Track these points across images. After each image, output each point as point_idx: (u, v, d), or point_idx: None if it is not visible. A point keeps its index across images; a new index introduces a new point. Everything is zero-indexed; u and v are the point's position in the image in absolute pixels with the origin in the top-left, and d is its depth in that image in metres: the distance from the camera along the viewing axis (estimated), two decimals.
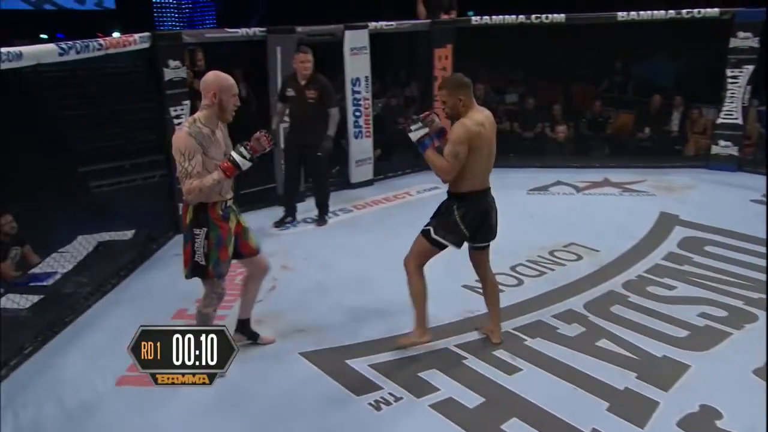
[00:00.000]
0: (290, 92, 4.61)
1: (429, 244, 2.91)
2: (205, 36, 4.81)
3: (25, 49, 3.05)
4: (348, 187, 5.76)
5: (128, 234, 4.54)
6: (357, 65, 5.52)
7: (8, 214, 4.06)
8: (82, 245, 4.22)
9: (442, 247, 2.92)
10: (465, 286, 3.73)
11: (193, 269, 2.72)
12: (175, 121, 4.53)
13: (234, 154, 2.53)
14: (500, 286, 3.68)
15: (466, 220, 2.84)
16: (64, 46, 3.37)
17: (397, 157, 6.33)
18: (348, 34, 5.39)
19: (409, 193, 5.64)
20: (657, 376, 2.81)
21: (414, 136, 2.86)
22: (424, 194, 5.61)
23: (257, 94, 6.37)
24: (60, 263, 3.96)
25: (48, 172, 4.32)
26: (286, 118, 4.82)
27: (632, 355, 2.99)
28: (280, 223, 4.88)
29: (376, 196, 5.48)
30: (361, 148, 5.70)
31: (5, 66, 2.87)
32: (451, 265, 3.90)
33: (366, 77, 5.59)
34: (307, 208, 5.22)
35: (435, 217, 2.92)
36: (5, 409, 2.64)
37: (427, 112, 3.06)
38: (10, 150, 3.72)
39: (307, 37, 5.22)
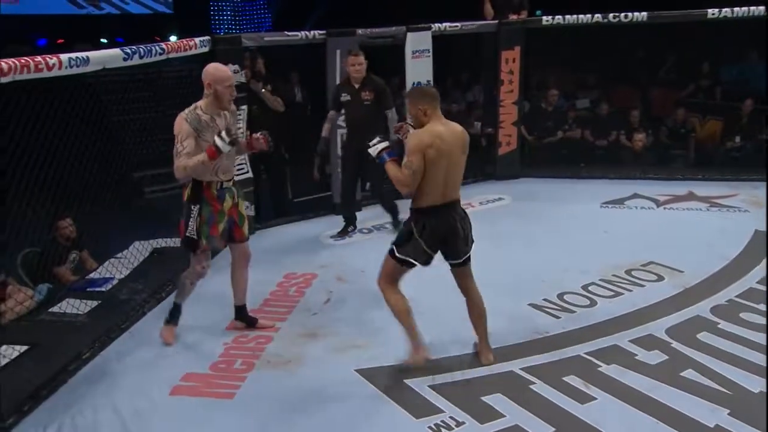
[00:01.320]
0: (345, 97, 4.67)
1: (395, 262, 2.93)
2: (265, 39, 4.98)
3: (91, 54, 3.24)
4: (403, 197, 5.78)
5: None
6: (419, 69, 5.56)
7: (68, 218, 4.30)
8: (138, 251, 4.42)
9: (410, 265, 2.93)
10: (532, 305, 3.68)
11: (186, 242, 3.13)
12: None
13: (216, 139, 2.90)
14: (570, 306, 3.65)
15: (425, 236, 2.85)
16: (128, 50, 3.56)
17: None
18: (410, 36, 5.45)
19: (471, 203, 5.60)
20: (754, 415, 2.66)
21: (373, 150, 2.94)
22: (488, 205, 5.58)
23: (313, 98, 6.52)
24: (117, 269, 4.15)
25: (103, 176, 4.54)
26: (342, 123, 4.90)
27: (724, 389, 2.86)
28: (343, 233, 4.95)
29: None
30: None
31: (73, 71, 3.06)
32: (516, 283, 3.91)
33: (428, 81, 5.61)
34: (364, 217, 5.28)
35: (399, 234, 2.98)
36: (64, 414, 2.80)
37: (400, 123, 3.15)
38: (70, 153, 3.93)
39: (368, 40, 5.31)
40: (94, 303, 3.67)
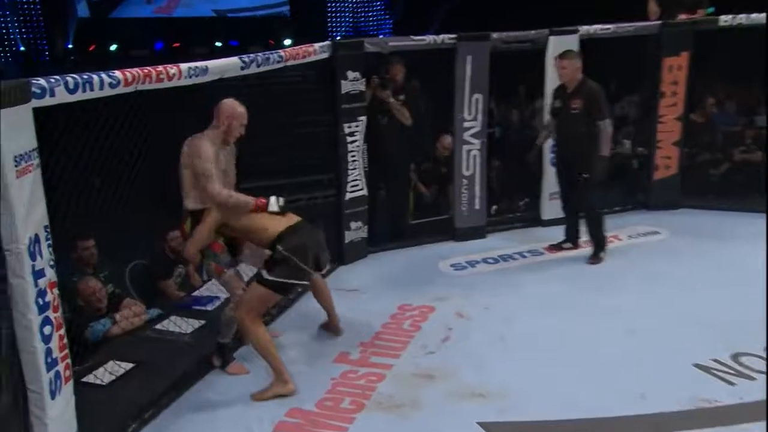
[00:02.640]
0: (557, 103, 4.84)
1: (266, 288, 3.22)
2: (389, 44, 5.07)
3: (210, 63, 3.43)
4: (538, 225, 5.67)
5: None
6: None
7: (177, 230, 4.60)
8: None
9: (284, 290, 3.31)
10: (697, 366, 3.41)
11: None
12: (349, 138, 4.83)
13: (272, 198, 3.30)
14: (749, 371, 3.34)
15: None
16: (246, 59, 3.74)
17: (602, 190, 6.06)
18: (553, 40, 5.33)
19: (617, 236, 5.36)
20: None
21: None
22: (639, 240, 5.31)
23: (435, 108, 6.55)
24: (221, 288, 4.34)
25: None
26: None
27: None
28: (556, 247, 5.09)
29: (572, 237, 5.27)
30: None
31: (192, 81, 3.26)
32: (676, 337, 3.67)
33: None
34: (490, 245, 5.24)
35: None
36: None
37: None
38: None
39: (503, 45, 5.26)
40: (199, 323, 3.87)
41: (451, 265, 4.94)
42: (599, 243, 4.88)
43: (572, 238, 5.09)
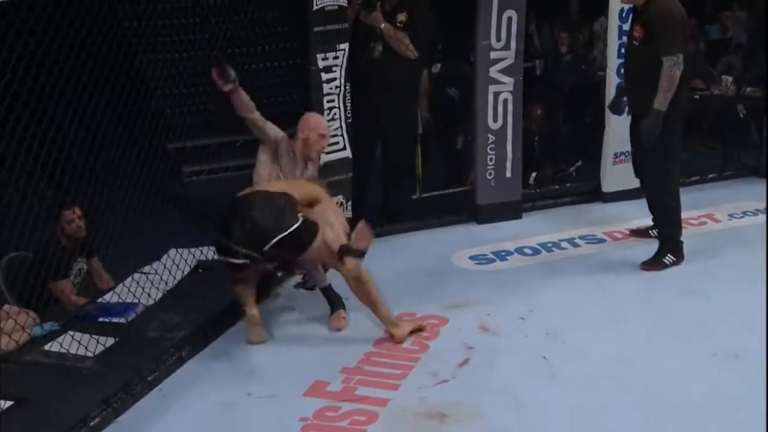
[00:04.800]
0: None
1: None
2: None
3: None
4: (596, 199, 5.73)
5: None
6: None
7: (77, 208, 4.54)
8: (175, 264, 4.59)
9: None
10: None
11: None
12: (324, 75, 4.79)
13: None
14: None
15: None
16: None
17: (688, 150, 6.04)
18: None
19: (712, 216, 5.41)
20: None
21: None
22: (741, 221, 5.38)
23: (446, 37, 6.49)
24: (141, 290, 4.31)
25: (124, 148, 4.73)
26: None
27: None
28: (640, 232, 5.06)
29: (646, 218, 5.27)
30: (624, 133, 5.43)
31: None
32: None
33: None
34: (524, 230, 5.29)
35: None
36: None
37: None
38: (73, 113, 4.12)
39: None
40: (109, 340, 3.83)
41: (472, 258, 4.99)
42: (668, 242, 4.80)
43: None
